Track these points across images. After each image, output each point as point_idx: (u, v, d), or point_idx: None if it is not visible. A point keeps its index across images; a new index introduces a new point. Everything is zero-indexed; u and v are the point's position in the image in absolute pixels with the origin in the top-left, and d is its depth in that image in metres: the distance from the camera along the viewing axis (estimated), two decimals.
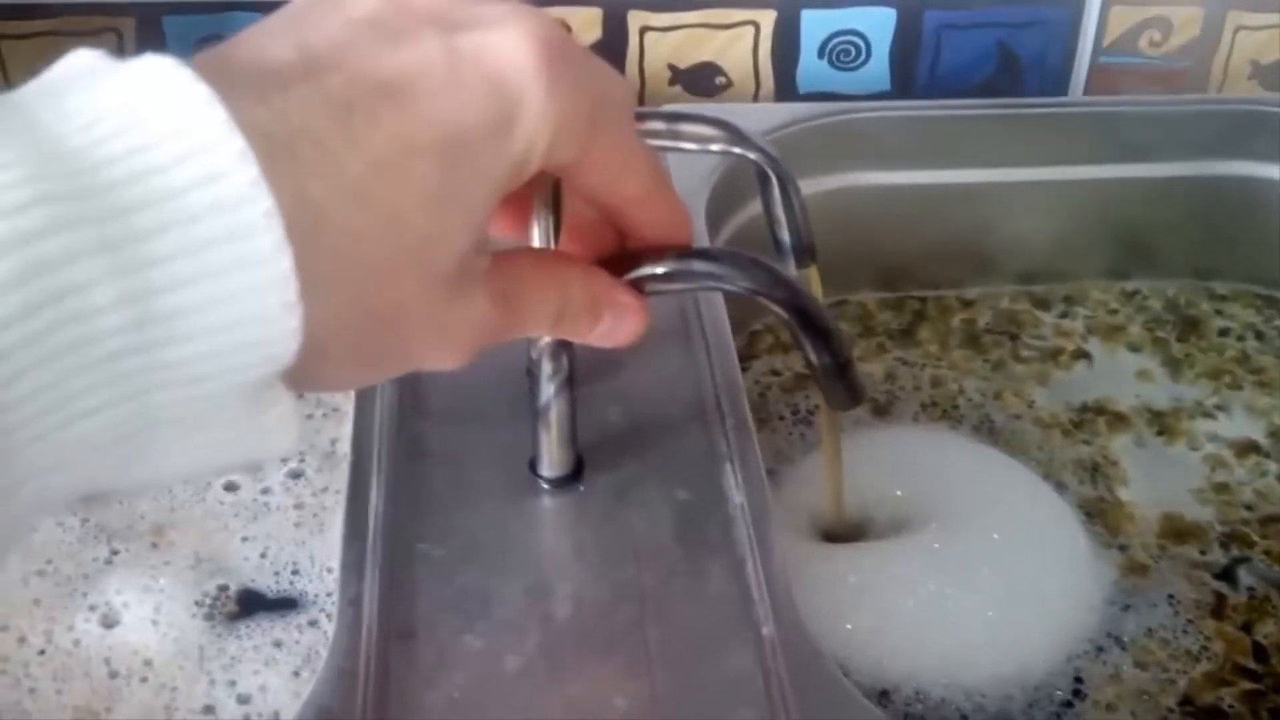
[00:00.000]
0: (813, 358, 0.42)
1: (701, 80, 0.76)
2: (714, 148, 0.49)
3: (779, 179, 0.50)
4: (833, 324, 0.42)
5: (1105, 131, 0.70)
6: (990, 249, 0.71)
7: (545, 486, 0.47)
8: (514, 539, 0.45)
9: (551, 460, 0.46)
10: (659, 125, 0.46)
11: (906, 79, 0.77)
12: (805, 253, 0.51)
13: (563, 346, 0.44)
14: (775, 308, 0.40)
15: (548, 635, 0.41)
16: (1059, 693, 0.51)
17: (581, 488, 0.47)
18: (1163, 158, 0.70)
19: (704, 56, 0.75)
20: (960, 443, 0.61)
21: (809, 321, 0.41)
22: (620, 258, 0.37)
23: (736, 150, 0.49)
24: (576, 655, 0.41)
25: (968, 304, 0.71)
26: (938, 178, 0.69)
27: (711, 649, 0.41)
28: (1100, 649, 0.52)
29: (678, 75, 0.76)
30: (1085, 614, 0.54)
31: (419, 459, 0.47)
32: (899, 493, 0.56)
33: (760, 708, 0.40)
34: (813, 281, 0.51)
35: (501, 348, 0.34)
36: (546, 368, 0.44)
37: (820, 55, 0.76)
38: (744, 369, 0.62)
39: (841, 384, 0.44)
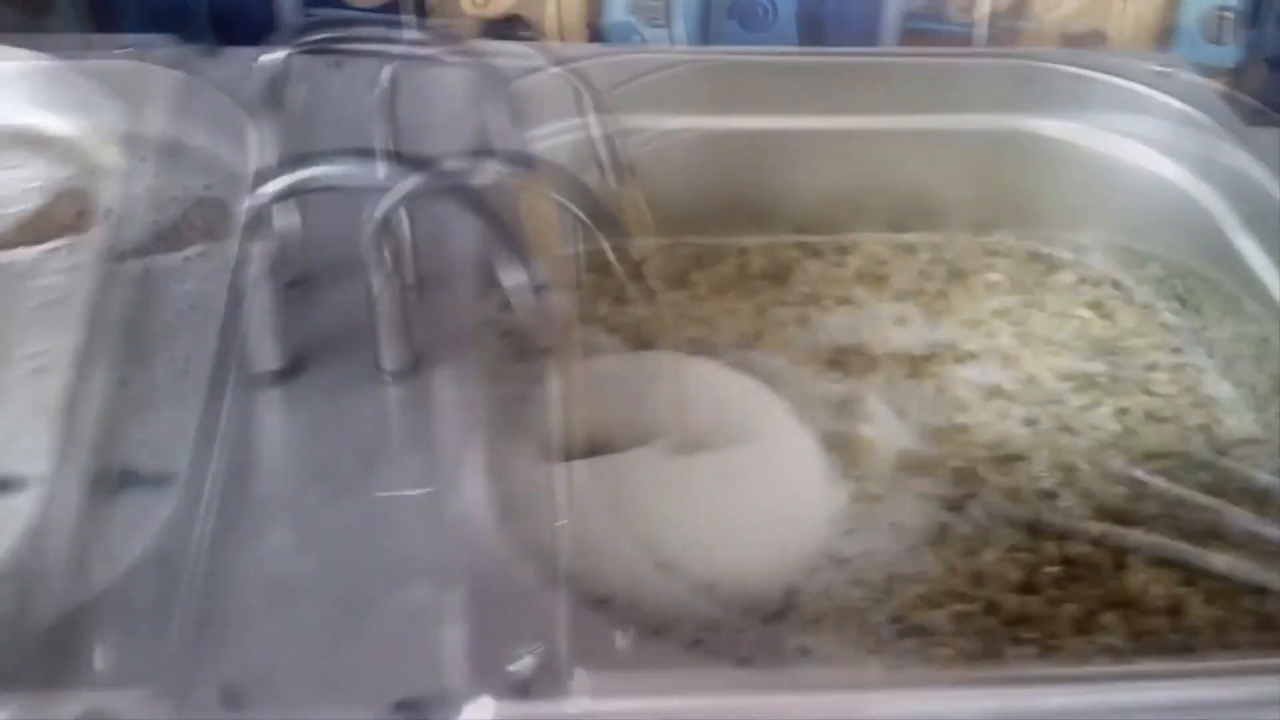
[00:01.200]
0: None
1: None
2: (518, 62, 0.53)
3: (593, 99, 0.54)
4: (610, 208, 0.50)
5: (893, 84, 0.72)
6: (771, 198, 0.73)
7: (387, 380, 0.53)
8: (351, 422, 0.51)
9: (390, 354, 0.52)
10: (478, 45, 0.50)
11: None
12: (625, 170, 0.57)
13: (387, 239, 0.49)
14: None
15: (366, 498, 0.48)
16: (771, 604, 0.52)
17: (420, 380, 0.53)
18: (945, 110, 0.72)
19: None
20: (710, 370, 0.63)
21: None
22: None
23: (554, 70, 0.54)
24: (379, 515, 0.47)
25: (742, 251, 0.73)
26: (721, 125, 0.71)
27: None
28: (817, 568, 0.54)
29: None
30: (807, 535, 0.56)
31: (275, 357, 0.53)
32: (642, 414, 0.58)
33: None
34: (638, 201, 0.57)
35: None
36: (373, 258, 0.49)
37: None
38: None
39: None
